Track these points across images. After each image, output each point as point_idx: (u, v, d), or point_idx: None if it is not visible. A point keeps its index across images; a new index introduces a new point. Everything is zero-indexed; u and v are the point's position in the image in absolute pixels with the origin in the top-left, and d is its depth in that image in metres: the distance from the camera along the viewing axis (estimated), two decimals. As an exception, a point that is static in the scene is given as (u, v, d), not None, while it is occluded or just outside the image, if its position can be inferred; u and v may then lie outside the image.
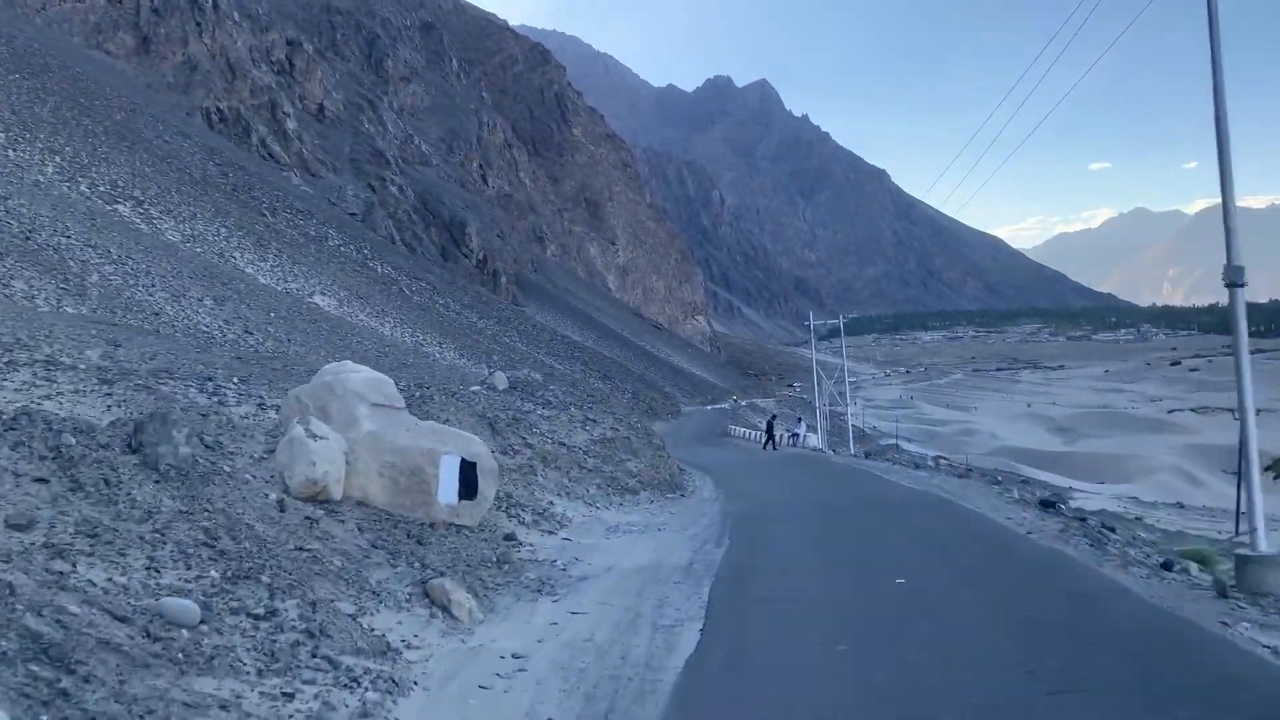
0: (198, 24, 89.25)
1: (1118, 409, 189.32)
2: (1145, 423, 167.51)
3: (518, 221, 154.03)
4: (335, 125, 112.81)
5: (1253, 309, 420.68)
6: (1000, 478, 66.50)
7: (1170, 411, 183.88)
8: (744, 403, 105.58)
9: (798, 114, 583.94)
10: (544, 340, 65.06)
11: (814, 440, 44.06)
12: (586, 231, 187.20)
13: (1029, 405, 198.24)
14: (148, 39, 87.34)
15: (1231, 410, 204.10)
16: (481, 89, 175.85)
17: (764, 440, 41.63)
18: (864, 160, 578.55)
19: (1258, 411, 11.78)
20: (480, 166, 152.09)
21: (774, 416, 46.54)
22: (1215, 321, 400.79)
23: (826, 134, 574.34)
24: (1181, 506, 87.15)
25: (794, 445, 42.06)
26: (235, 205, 52.84)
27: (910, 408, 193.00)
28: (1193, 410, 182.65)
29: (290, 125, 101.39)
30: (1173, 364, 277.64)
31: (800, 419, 48.39)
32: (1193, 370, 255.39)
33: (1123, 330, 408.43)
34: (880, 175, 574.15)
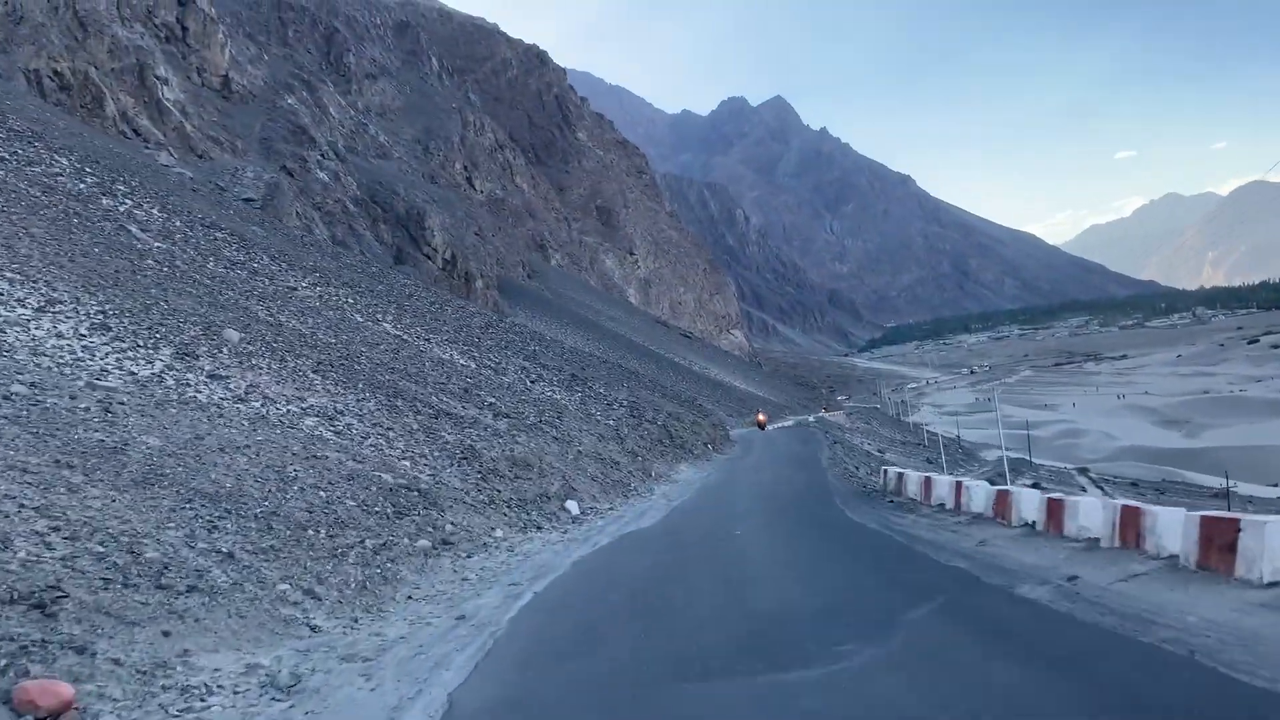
0: (23, -41, 60.67)
1: (1224, 394, 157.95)
2: (1263, 406, 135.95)
3: (514, 228, 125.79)
4: (245, 102, 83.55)
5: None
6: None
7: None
8: (812, 418, 74.69)
9: (815, 128, 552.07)
10: (468, 330, 33.95)
11: None
12: (600, 241, 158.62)
13: (1121, 397, 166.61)
14: (-50, -18, 59.40)
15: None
16: (468, 90, 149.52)
17: None
18: (887, 167, 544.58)
19: None
20: (465, 168, 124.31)
21: None
22: (1276, 297, 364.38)
23: (847, 144, 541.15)
24: None
25: None
26: None
27: (989, 410, 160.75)
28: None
29: (168, 95, 72.23)
30: (1250, 342, 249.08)
31: None
32: (1275, 347, 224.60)
33: (1176, 315, 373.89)
34: (905, 181, 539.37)
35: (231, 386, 15.80)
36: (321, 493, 11.23)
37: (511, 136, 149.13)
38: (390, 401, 17.40)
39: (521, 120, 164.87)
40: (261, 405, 15.38)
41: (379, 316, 27.59)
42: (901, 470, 22.10)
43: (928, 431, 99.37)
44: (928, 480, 19.78)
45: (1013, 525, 13.85)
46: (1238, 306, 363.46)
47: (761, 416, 64.20)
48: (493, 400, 21.25)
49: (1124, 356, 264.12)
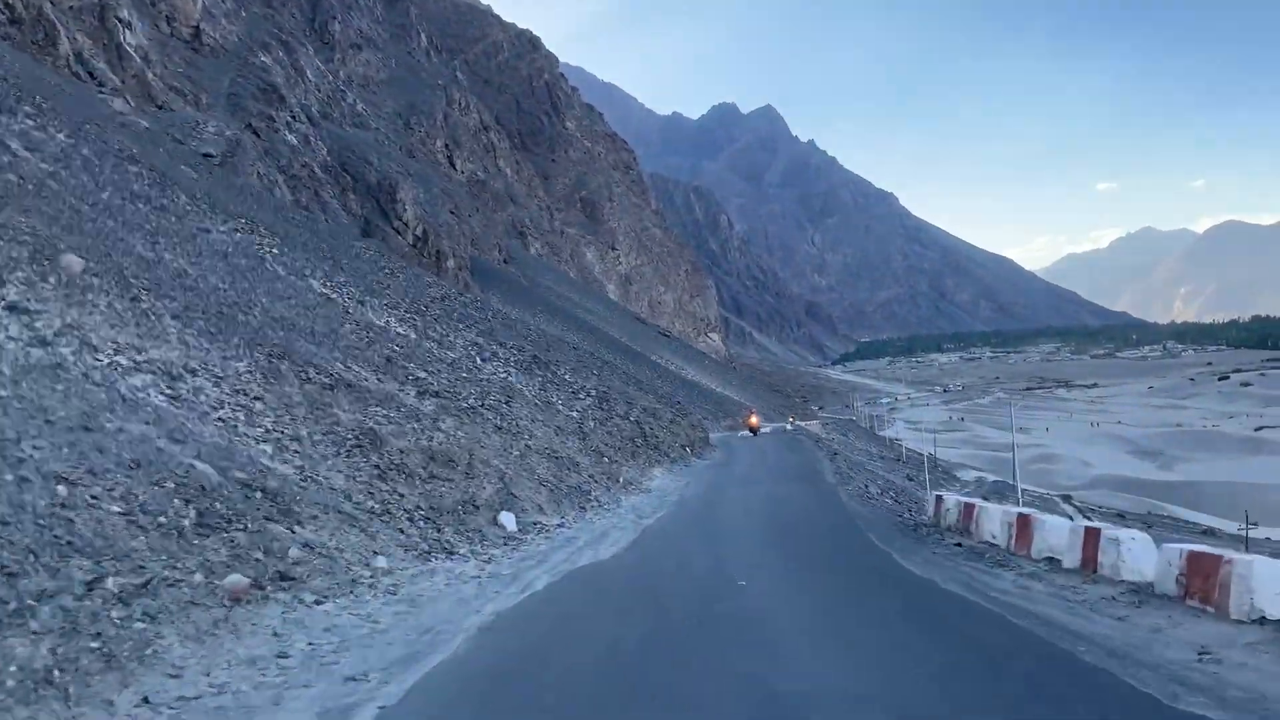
0: None
1: (1197, 428, 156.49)
2: (1238, 443, 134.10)
3: (494, 212, 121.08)
4: (216, 56, 77.93)
5: (1276, 324, 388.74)
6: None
7: (1258, 429, 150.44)
8: (789, 425, 70.55)
9: (804, 139, 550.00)
10: (416, 298, 29.20)
11: None
12: (582, 234, 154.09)
13: (1095, 425, 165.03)
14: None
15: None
16: (456, 70, 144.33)
17: None
18: (871, 184, 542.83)
19: None
20: (447, 147, 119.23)
21: None
22: (1245, 336, 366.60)
23: (833, 158, 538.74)
24: None
25: None
26: None
27: (962, 430, 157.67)
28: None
29: (130, 40, 66.38)
30: (1221, 378, 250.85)
31: None
32: (1245, 385, 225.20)
33: (1147, 347, 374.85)
34: (888, 198, 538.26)
35: (38, 325, 11.05)
36: (60, 488, 6.64)
37: (498, 120, 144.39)
38: (272, 363, 12.76)
39: (509, 104, 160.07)
40: (72, 352, 10.66)
41: (306, 271, 22.85)
42: (969, 500, 16.90)
43: (905, 448, 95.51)
44: (1024, 521, 13.81)
45: (1233, 618, 8.37)
46: (1207, 343, 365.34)
47: (754, 419, 55.68)
48: (422, 374, 16.62)
49: (1095, 385, 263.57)
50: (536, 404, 20.15)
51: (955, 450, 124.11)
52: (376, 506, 10.26)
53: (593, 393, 25.13)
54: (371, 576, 8.63)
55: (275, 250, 24.34)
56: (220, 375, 11.65)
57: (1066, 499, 74.63)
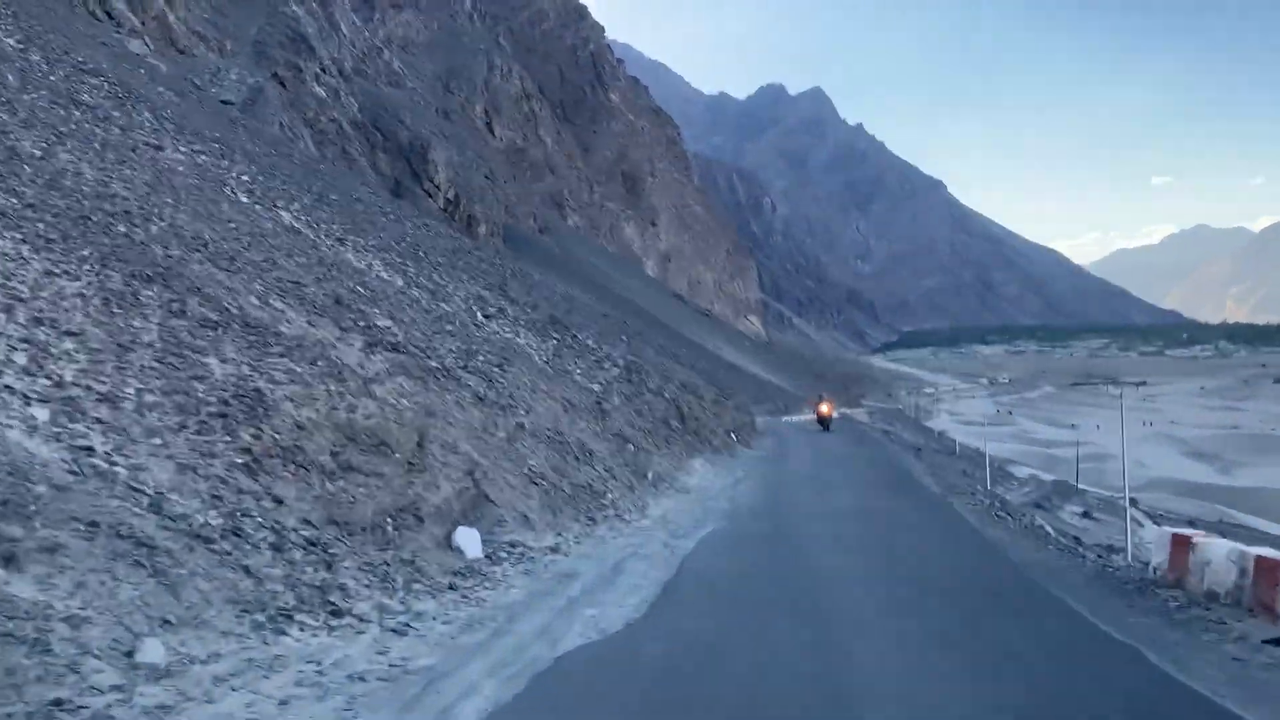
0: None
1: (1256, 431, 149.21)
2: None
3: (532, 181, 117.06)
4: (246, 2, 74.06)
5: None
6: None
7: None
8: (837, 413, 65.30)
9: (852, 123, 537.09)
10: (415, 244, 24.78)
11: None
12: (622, 209, 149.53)
13: (1148, 424, 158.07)
14: None
15: None
16: (499, 36, 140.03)
17: None
18: (919, 170, 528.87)
19: None
20: (486, 112, 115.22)
21: None
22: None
23: (881, 144, 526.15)
24: None
25: None
26: None
27: (1010, 424, 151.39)
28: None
29: (151, -22, 62.45)
30: (1277, 380, 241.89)
31: None
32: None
33: (1198, 346, 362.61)
34: (937, 186, 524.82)
35: None
36: None
37: (540, 88, 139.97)
38: (128, 286, 8.39)
39: (553, 74, 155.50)
40: None
41: (280, 203, 18.54)
42: (1266, 553, 9.37)
43: (957, 441, 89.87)
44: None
45: None
46: (1261, 344, 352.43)
47: (825, 407, 46.23)
48: (384, 322, 12.11)
49: (1143, 383, 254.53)
50: (543, 371, 15.65)
51: (1004, 445, 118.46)
52: (216, 523, 5.82)
53: (620, 362, 20.53)
54: (118, 691, 4.00)
55: (246, 176, 20.05)
56: (24, 296, 7.32)
57: (1133, 503, 69.14)
